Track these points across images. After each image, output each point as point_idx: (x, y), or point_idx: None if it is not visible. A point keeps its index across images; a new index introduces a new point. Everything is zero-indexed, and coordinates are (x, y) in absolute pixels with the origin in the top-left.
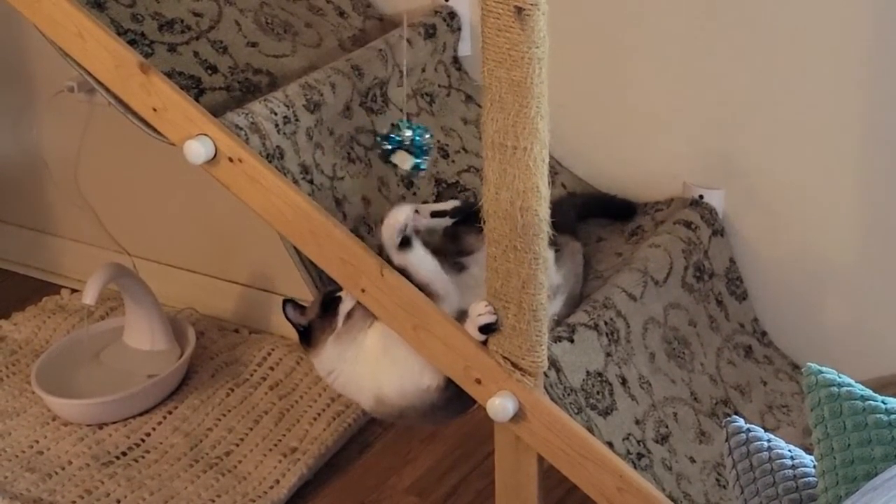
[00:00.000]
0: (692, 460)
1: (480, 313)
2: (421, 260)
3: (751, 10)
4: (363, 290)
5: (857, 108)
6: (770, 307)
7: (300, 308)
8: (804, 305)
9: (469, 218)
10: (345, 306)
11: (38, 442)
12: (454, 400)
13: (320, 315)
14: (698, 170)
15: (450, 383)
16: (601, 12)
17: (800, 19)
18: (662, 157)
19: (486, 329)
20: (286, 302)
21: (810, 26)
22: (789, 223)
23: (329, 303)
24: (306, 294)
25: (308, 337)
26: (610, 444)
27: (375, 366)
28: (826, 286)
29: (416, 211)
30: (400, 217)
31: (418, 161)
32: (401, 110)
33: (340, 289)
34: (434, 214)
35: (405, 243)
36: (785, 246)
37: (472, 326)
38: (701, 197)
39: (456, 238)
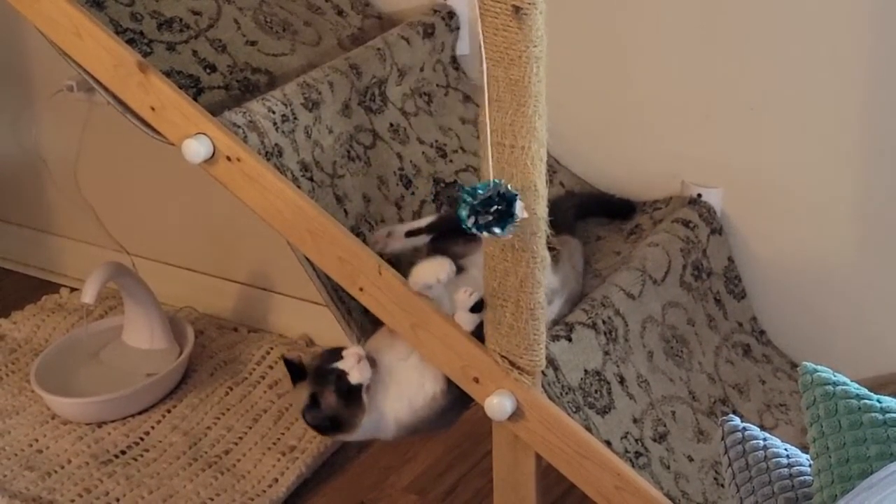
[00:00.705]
0: (690, 459)
1: (463, 298)
2: None
3: (749, 9)
4: (361, 289)
5: (857, 107)
6: (769, 306)
7: (316, 403)
8: (803, 304)
9: (449, 230)
10: (364, 386)
11: (37, 440)
12: (458, 398)
13: (345, 403)
14: (697, 168)
15: (451, 384)
16: (600, 11)
17: (798, 18)
18: (661, 155)
19: (477, 307)
20: (305, 411)
21: (809, 25)
22: (788, 222)
23: (349, 391)
24: (305, 293)
25: (338, 425)
26: (608, 443)
27: (388, 402)
28: (825, 285)
29: (389, 234)
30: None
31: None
32: (400, 110)
33: (334, 366)
34: (409, 234)
35: None
36: (783, 244)
37: (462, 312)
38: (699, 195)
39: (440, 252)
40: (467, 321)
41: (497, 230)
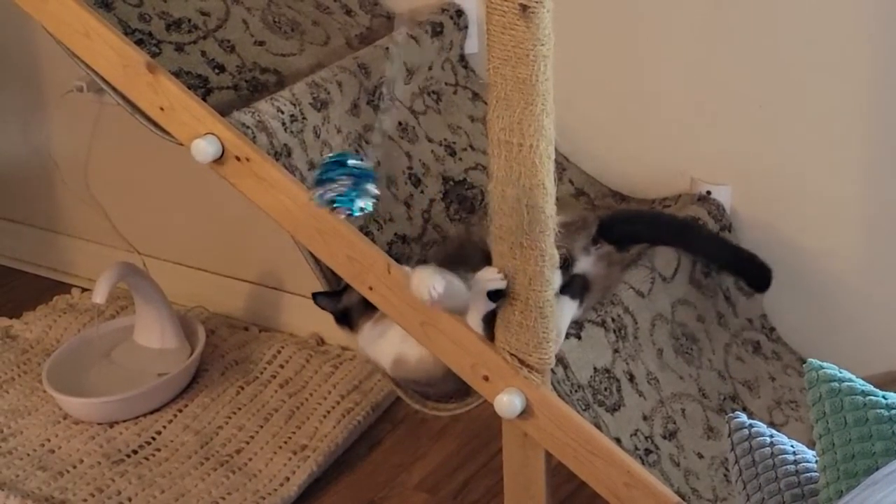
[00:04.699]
0: (700, 456)
1: (490, 278)
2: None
3: (758, 7)
4: (371, 288)
5: (864, 105)
6: (778, 303)
7: (332, 295)
8: (812, 301)
9: None
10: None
11: (49, 440)
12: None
13: (364, 304)
14: (706, 166)
15: None
16: (608, 9)
17: (807, 16)
18: (670, 153)
19: (496, 296)
20: (316, 295)
21: (818, 23)
22: (797, 218)
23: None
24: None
25: (347, 320)
26: (618, 441)
27: (399, 338)
28: (834, 281)
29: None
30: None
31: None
32: (408, 109)
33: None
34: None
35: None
36: (792, 241)
37: (478, 298)
38: (708, 193)
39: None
40: (479, 310)
41: (348, 208)
